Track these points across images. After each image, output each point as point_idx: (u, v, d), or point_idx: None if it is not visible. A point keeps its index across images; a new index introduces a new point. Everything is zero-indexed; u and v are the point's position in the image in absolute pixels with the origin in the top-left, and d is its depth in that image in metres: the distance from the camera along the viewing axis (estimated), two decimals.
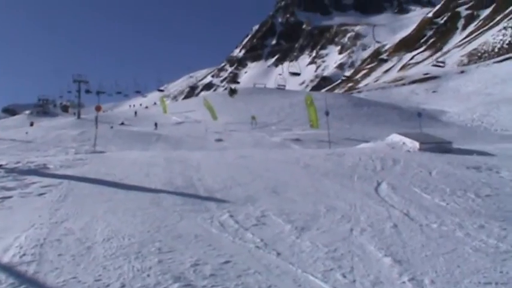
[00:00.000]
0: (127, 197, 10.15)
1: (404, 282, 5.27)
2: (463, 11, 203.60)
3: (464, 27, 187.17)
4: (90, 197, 10.09)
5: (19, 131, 53.99)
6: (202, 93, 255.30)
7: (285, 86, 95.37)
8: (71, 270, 5.63)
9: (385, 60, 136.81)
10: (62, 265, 5.79)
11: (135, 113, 76.77)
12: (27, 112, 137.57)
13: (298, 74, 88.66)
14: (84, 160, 17.38)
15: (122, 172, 14.04)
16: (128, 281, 5.31)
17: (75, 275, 5.46)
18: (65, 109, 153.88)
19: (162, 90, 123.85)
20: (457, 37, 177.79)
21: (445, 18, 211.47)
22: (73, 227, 7.54)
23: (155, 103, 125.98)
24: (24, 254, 6.17)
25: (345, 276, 5.45)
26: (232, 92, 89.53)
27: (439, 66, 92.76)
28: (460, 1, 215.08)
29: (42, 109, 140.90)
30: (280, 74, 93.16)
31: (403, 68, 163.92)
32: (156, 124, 54.55)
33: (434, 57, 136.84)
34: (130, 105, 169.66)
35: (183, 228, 7.52)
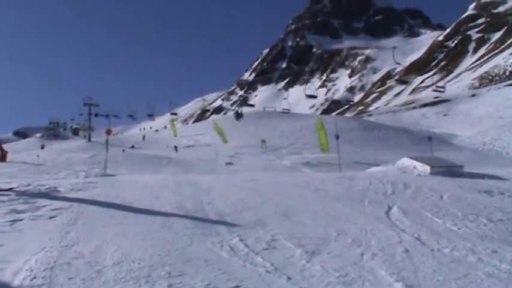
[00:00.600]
0: (137, 220, 10.15)
1: None
2: (474, 34, 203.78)
3: (475, 51, 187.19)
4: (101, 220, 10.08)
5: (30, 153, 54.30)
6: (213, 116, 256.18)
7: (289, 110, 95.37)
8: None
9: (406, 82, 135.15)
10: None
11: (143, 137, 76.28)
12: (38, 135, 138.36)
13: (314, 97, 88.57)
14: (94, 183, 17.41)
15: (132, 195, 14.04)
16: None
17: None
18: (75, 132, 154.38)
19: (175, 114, 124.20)
20: (468, 60, 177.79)
21: (455, 42, 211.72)
22: (83, 250, 7.53)
23: (165, 126, 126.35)
24: (34, 277, 6.17)
25: None
26: (239, 115, 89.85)
27: (439, 91, 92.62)
28: (470, 24, 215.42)
29: (53, 132, 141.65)
30: (285, 98, 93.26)
31: (413, 91, 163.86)
32: (176, 147, 53.83)
33: (439, 81, 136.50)
34: (140, 129, 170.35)
35: (193, 252, 7.50)
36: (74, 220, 10.09)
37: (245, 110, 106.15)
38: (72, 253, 7.39)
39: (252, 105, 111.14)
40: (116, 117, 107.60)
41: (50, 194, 14.19)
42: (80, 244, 7.99)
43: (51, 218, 10.41)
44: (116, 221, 10.00)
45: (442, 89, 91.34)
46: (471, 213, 10.49)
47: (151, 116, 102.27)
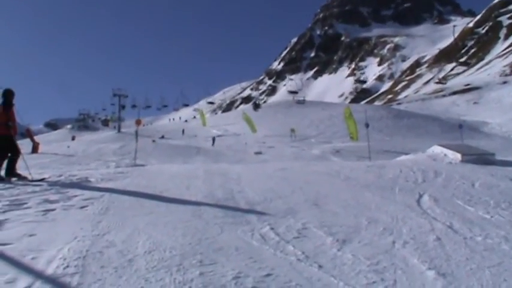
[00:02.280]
0: (168, 209, 10.18)
1: None
2: (505, 20, 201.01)
3: (507, 37, 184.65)
4: (131, 210, 10.14)
5: (61, 145, 54.95)
6: (241, 106, 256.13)
7: (304, 100, 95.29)
8: (114, 282, 5.65)
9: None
10: (104, 277, 5.81)
11: (183, 131, 74.45)
12: (69, 126, 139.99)
13: (296, 92, 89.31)
14: (124, 173, 17.53)
15: (162, 185, 14.11)
16: None
17: (118, 287, 5.49)
18: (105, 123, 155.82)
19: (212, 103, 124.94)
20: (499, 47, 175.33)
21: (486, 28, 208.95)
22: (115, 240, 7.58)
23: (194, 117, 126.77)
24: (67, 266, 6.22)
25: None
26: (256, 106, 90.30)
27: (442, 83, 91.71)
28: (501, 10, 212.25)
29: (83, 123, 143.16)
30: (294, 92, 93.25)
31: (443, 79, 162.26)
32: (214, 139, 51.88)
33: (474, 68, 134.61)
34: (170, 119, 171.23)
35: (224, 240, 7.51)
36: (105, 210, 10.16)
37: (273, 99, 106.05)
38: (104, 242, 7.44)
39: (296, 92, 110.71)
40: (149, 107, 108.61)
41: (81, 184, 14.32)
42: (111, 233, 8.04)
43: (82, 207, 10.50)
44: (147, 211, 10.05)
45: (444, 81, 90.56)
46: (503, 201, 10.37)
47: (187, 106, 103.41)
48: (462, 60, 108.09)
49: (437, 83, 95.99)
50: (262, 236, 7.77)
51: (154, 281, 5.67)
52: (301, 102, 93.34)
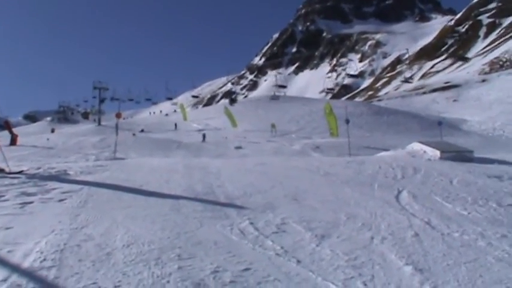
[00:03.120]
0: (147, 203, 10.16)
1: None
2: (485, 19, 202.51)
3: (486, 36, 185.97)
4: (110, 203, 10.10)
5: (40, 137, 54.50)
6: (222, 100, 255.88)
7: (333, 89, 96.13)
8: (91, 275, 5.63)
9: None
10: (82, 270, 5.79)
11: (175, 125, 70.83)
12: (48, 119, 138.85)
13: (284, 87, 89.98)
14: (104, 166, 17.46)
15: (142, 178, 14.07)
16: (148, 287, 5.30)
17: (95, 281, 5.46)
18: (85, 116, 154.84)
19: (196, 97, 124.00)
20: (479, 45, 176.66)
21: (466, 27, 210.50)
22: (93, 233, 7.55)
23: (175, 111, 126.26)
24: (44, 259, 6.18)
25: (365, 285, 5.40)
26: (232, 101, 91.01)
27: (408, 82, 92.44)
28: (481, 9, 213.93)
29: (63, 116, 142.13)
30: (328, 77, 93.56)
31: (423, 76, 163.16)
32: (204, 135, 49.33)
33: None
34: (150, 112, 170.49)
35: (203, 234, 7.50)
36: (84, 203, 10.11)
37: (255, 94, 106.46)
38: (82, 235, 7.41)
39: (284, 87, 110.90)
40: (132, 101, 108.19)
41: (60, 177, 14.25)
42: (89, 227, 8.01)
43: (61, 200, 10.45)
44: (126, 204, 10.02)
45: (410, 80, 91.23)
46: (481, 198, 10.47)
47: (170, 99, 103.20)
48: (461, 54, 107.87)
49: (403, 82, 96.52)
50: (241, 231, 7.77)
51: (132, 275, 5.66)
52: (275, 98, 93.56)
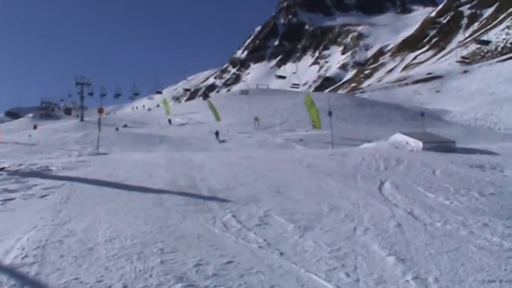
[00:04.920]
0: (129, 198, 10.13)
1: (408, 281, 5.23)
2: (466, 10, 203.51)
3: (467, 27, 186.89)
4: (93, 199, 10.07)
5: (22, 134, 54.13)
6: (211, 94, 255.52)
7: (299, 85, 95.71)
8: (73, 271, 5.60)
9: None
10: (63, 266, 5.76)
11: (169, 121, 67.18)
12: (31, 115, 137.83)
13: (284, 77, 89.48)
14: (86, 162, 17.38)
15: (124, 173, 14.03)
16: (130, 281, 5.28)
17: (77, 276, 5.44)
18: (68, 112, 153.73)
19: (160, 93, 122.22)
20: (460, 36, 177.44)
21: (448, 18, 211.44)
22: (75, 229, 7.51)
23: (158, 105, 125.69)
24: (26, 256, 6.15)
25: (348, 275, 5.41)
26: (206, 96, 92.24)
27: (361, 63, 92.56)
28: (462, 0, 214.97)
29: (45, 112, 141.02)
30: (294, 73, 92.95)
31: (406, 68, 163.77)
32: (217, 133, 45.83)
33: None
34: (133, 107, 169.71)
35: (186, 228, 7.49)
36: (66, 198, 10.07)
37: (238, 87, 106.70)
38: (64, 231, 7.37)
39: (284, 77, 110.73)
40: (120, 95, 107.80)
41: (42, 173, 14.17)
42: (72, 222, 7.98)
43: (43, 196, 10.40)
44: (108, 199, 9.99)
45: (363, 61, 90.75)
46: (463, 188, 10.52)
47: (160, 93, 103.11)
48: (464, 56, 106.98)
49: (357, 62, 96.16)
50: (224, 224, 7.77)
51: (114, 270, 5.63)
52: (245, 93, 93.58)
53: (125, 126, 65.50)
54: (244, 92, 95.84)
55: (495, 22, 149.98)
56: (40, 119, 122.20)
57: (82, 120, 78.18)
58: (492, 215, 8.09)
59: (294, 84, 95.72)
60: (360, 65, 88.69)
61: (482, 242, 6.53)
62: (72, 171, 14.63)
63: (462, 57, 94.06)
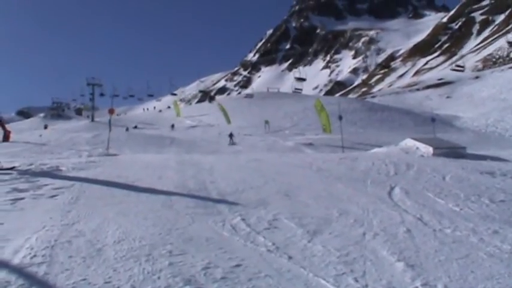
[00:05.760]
0: (139, 199, 10.13)
1: (417, 287, 5.20)
2: (478, 16, 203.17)
3: (479, 33, 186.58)
4: (102, 199, 10.07)
5: (33, 133, 54.45)
6: (216, 97, 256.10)
7: (301, 89, 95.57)
8: (81, 272, 5.60)
9: (393, 69, 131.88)
10: (72, 267, 5.76)
11: (172, 126, 65.27)
12: (42, 115, 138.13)
13: (303, 80, 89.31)
14: (96, 163, 17.41)
15: (134, 175, 14.03)
16: (138, 283, 5.27)
17: (86, 277, 5.43)
18: (78, 112, 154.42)
19: (175, 94, 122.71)
20: (472, 42, 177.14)
21: (459, 24, 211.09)
22: (84, 229, 7.52)
23: (169, 107, 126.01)
24: (34, 256, 6.14)
25: (357, 281, 5.38)
26: (211, 98, 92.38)
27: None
28: (474, 6, 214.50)
29: (56, 112, 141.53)
30: (301, 79, 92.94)
31: (417, 73, 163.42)
32: (231, 135, 44.15)
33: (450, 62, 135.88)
34: (144, 109, 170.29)
35: (195, 231, 7.48)
36: (76, 199, 10.07)
37: (248, 90, 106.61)
38: (73, 232, 7.37)
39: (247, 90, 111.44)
40: (133, 97, 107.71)
41: (52, 173, 14.19)
42: (81, 223, 7.98)
43: (52, 197, 10.40)
44: (118, 200, 9.99)
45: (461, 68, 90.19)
46: (473, 194, 10.48)
47: (151, 96, 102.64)
48: (458, 65, 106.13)
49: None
50: (233, 227, 7.75)
51: (122, 271, 5.63)
52: (250, 96, 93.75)
53: (135, 127, 65.74)
54: (248, 96, 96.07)
55: (507, 28, 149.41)
56: (51, 118, 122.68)
57: (93, 120, 78.52)
58: (502, 222, 8.06)
59: (296, 88, 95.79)
60: (301, 80, 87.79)
61: (492, 249, 6.48)
62: (82, 172, 14.65)
63: (457, 66, 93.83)
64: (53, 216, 8.45)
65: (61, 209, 9.03)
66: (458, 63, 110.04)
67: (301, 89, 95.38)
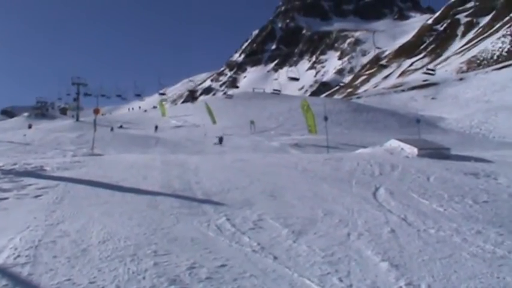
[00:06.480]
0: (124, 199, 10.11)
1: (401, 287, 5.24)
2: (463, 18, 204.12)
3: (464, 35, 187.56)
4: (87, 199, 10.04)
5: (17, 133, 54.00)
6: (202, 97, 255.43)
7: (280, 91, 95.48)
8: (66, 272, 5.59)
9: (385, 66, 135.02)
10: (56, 267, 5.74)
11: (156, 127, 62.16)
12: (26, 114, 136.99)
13: (297, 79, 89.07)
14: (81, 162, 17.31)
15: (119, 175, 13.98)
16: (123, 283, 5.27)
17: (70, 277, 5.42)
18: (63, 112, 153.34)
19: (163, 94, 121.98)
20: (457, 44, 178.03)
21: (444, 25, 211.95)
22: (69, 229, 7.49)
23: (154, 107, 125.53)
24: (18, 256, 6.12)
25: (341, 281, 5.41)
26: (194, 99, 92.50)
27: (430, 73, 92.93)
28: (459, 8, 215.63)
29: (41, 111, 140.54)
30: (275, 79, 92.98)
31: (402, 74, 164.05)
32: (221, 138, 42.87)
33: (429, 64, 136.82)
34: (129, 108, 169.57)
35: (180, 231, 7.48)
36: (60, 199, 10.03)
37: (232, 91, 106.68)
38: (58, 232, 7.35)
39: (237, 87, 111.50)
40: (120, 97, 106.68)
41: (36, 173, 14.10)
42: (65, 223, 7.95)
43: (36, 196, 10.35)
44: (102, 200, 9.96)
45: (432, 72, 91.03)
46: (457, 195, 10.55)
47: (139, 96, 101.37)
48: (429, 68, 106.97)
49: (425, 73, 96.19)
50: (218, 227, 7.76)
51: (107, 271, 5.63)
52: (229, 97, 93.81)
53: (121, 127, 65.46)
54: (228, 96, 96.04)
55: (491, 30, 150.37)
56: (35, 118, 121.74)
57: (77, 120, 78.07)
58: (485, 223, 8.13)
59: (274, 90, 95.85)
60: (295, 80, 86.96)
61: (475, 249, 6.55)
62: (67, 172, 14.57)
63: (428, 69, 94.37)
64: (37, 216, 8.41)
65: (45, 209, 8.99)
66: (429, 66, 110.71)
67: (279, 91, 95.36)
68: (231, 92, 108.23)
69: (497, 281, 5.43)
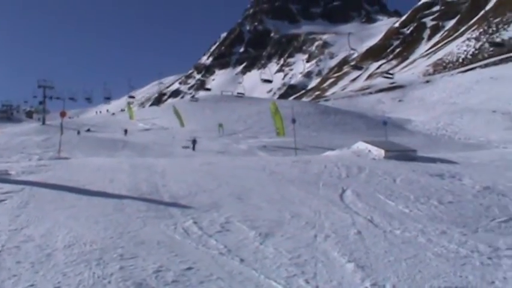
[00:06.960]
0: (90, 203, 10.02)
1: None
2: (429, 21, 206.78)
3: (430, 38, 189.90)
4: (52, 203, 9.92)
5: None
6: (170, 100, 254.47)
7: (243, 94, 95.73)
8: (30, 277, 5.52)
9: (360, 68, 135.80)
10: (20, 272, 5.67)
11: (125, 131, 60.83)
12: None
13: (270, 81, 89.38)
14: (47, 166, 17.13)
15: (85, 178, 13.86)
16: (88, 287, 5.22)
17: (34, 283, 5.36)
18: (29, 115, 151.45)
19: (133, 97, 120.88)
20: (423, 47, 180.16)
21: (411, 29, 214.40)
22: (33, 234, 7.40)
23: (122, 110, 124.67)
24: None
25: (308, 282, 5.43)
26: (160, 102, 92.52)
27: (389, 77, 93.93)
28: (425, 12, 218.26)
29: (6, 115, 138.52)
30: (240, 83, 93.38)
31: (369, 77, 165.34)
32: (194, 141, 42.06)
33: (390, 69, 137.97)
34: (96, 112, 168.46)
35: (146, 234, 7.45)
36: (25, 203, 9.91)
37: (202, 94, 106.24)
38: (22, 237, 7.26)
39: (208, 89, 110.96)
40: (89, 99, 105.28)
41: (0, 178, 13.90)
42: (30, 227, 7.86)
43: (0, 201, 10.21)
44: (68, 204, 9.86)
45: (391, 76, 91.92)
46: (423, 196, 10.68)
47: (108, 99, 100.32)
48: (387, 72, 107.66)
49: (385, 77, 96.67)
50: (185, 230, 7.74)
51: (72, 276, 5.57)
52: (195, 100, 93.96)
53: (88, 130, 64.87)
54: (193, 100, 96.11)
55: (456, 34, 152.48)
56: (0, 122, 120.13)
57: (44, 123, 77.12)
58: (450, 223, 8.25)
59: (239, 93, 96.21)
60: (268, 82, 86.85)
61: (439, 249, 6.64)
62: (32, 176, 14.41)
63: (386, 73, 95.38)
64: (0, 221, 8.30)
65: (9, 214, 8.88)
66: (388, 70, 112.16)
67: (243, 93, 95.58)
68: (199, 94, 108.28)
69: (460, 279, 5.51)
